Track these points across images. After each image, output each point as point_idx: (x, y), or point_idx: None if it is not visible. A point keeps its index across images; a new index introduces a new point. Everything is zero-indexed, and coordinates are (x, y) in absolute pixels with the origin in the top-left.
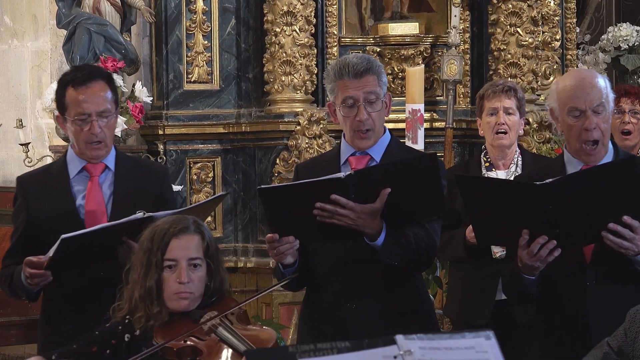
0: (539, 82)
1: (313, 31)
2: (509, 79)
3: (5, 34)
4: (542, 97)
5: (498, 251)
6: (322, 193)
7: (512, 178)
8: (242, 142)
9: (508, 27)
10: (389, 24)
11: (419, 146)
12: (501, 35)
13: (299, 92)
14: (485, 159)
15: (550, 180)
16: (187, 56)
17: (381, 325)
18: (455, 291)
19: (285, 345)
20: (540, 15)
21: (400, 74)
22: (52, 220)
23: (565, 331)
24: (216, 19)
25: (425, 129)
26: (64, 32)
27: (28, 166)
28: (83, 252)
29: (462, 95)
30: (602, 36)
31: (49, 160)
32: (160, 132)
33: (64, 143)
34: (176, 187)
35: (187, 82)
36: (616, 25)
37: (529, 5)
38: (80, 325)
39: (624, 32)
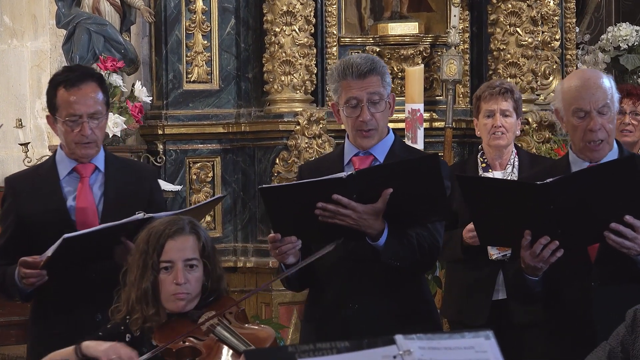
0: (539, 82)
1: (312, 31)
2: (509, 78)
3: (5, 34)
4: (542, 97)
5: (494, 253)
6: (324, 193)
7: (509, 178)
8: (241, 142)
9: (507, 27)
10: (389, 24)
11: (419, 146)
12: (501, 35)
13: (298, 92)
14: (482, 160)
15: (551, 179)
16: (186, 56)
17: (383, 325)
18: (452, 292)
19: (285, 345)
20: (539, 15)
21: (400, 73)
22: (44, 221)
23: (571, 331)
24: (216, 19)
25: (424, 128)
26: (64, 32)
27: (27, 166)
28: (81, 253)
29: (461, 95)
30: (602, 36)
31: None
32: (160, 132)
33: None
34: (176, 187)
35: (186, 82)
36: (616, 25)
37: (528, 5)
38: (72, 326)
39: (624, 32)
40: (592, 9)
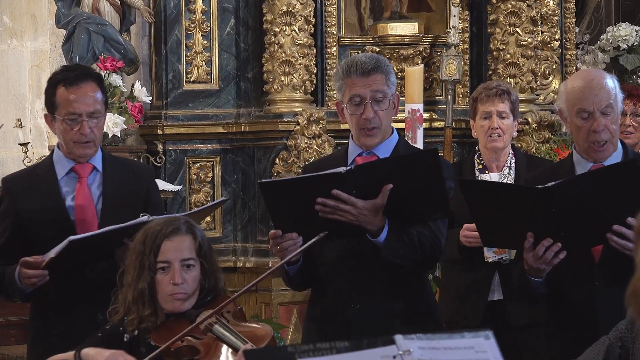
0: (538, 82)
1: (312, 31)
2: (508, 78)
3: (5, 34)
4: (542, 97)
5: (490, 256)
6: (323, 188)
7: (505, 180)
8: (241, 142)
9: (507, 27)
10: (388, 24)
11: (419, 146)
12: (500, 35)
13: (298, 92)
14: (478, 161)
15: (553, 183)
16: (186, 56)
17: (385, 325)
18: (448, 293)
19: (285, 345)
20: (539, 15)
21: (400, 73)
22: (43, 221)
23: (575, 331)
24: (215, 19)
25: (424, 128)
26: (63, 32)
27: (27, 166)
28: (84, 254)
29: (461, 95)
30: (602, 36)
31: None
32: (160, 132)
33: None
34: (175, 187)
35: (186, 82)
36: (615, 25)
37: (528, 5)
38: (71, 327)
39: (623, 32)
40: (592, 9)
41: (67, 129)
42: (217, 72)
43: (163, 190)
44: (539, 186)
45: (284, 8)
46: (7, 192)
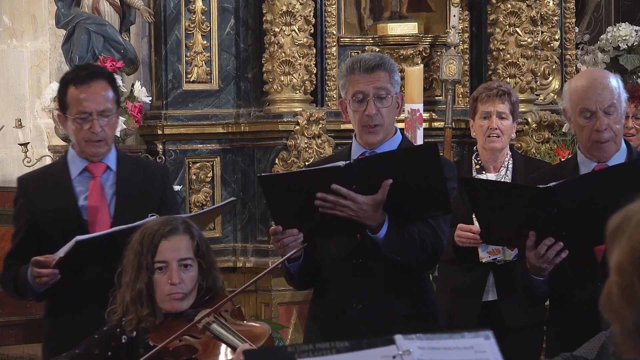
0: (538, 82)
1: (312, 31)
2: (508, 78)
3: (4, 34)
4: (541, 97)
5: (485, 257)
6: (323, 182)
7: (502, 181)
8: (241, 142)
9: (507, 27)
10: (388, 24)
11: None
12: (500, 35)
13: (298, 92)
14: (476, 161)
15: (554, 183)
16: (186, 56)
17: (386, 325)
18: (443, 293)
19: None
20: (539, 15)
21: (400, 74)
22: (55, 220)
23: (577, 331)
24: (215, 19)
25: (424, 128)
26: (63, 32)
27: (27, 166)
28: (93, 254)
29: (461, 95)
30: (601, 36)
31: (48, 160)
32: (159, 132)
33: (63, 143)
34: (175, 187)
35: (186, 82)
36: (615, 25)
37: (528, 5)
38: (83, 326)
39: (623, 32)
40: (592, 9)
41: (78, 128)
42: (217, 72)
43: None
44: (541, 186)
45: (284, 8)
46: (22, 191)
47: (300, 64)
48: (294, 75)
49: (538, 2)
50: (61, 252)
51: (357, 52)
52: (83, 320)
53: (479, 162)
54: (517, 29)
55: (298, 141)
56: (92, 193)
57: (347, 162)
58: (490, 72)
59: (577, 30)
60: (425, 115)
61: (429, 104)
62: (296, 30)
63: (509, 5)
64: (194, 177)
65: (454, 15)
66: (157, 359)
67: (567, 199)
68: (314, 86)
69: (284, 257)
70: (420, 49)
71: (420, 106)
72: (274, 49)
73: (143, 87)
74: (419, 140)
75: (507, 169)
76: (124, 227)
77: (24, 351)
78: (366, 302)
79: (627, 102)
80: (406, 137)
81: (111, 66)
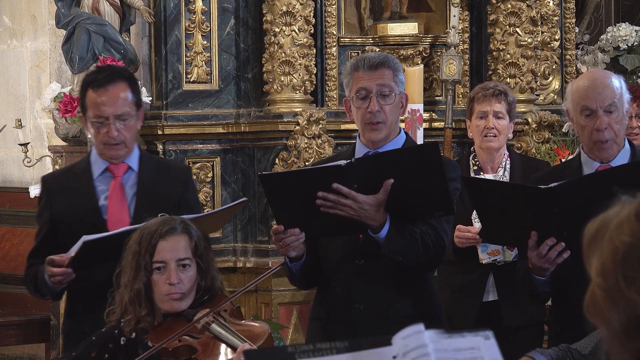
0: (538, 82)
1: (312, 31)
2: (508, 79)
3: (4, 34)
4: (541, 97)
5: (484, 258)
6: (324, 181)
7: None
8: (241, 142)
9: (507, 27)
10: (388, 24)
11: None
12: (500, 35)
13: (298, 92)
14: (473, 162)
15: (555, 184)
16: (186, 56)
17: (389, 326)
18: (443, 293)
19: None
20: (539, 15)
21: None
22: (76, 219)
23: (578, 330)
24: (215, 19)
25: (424, 129)
26: (63, 32)
27: (27, 166)
28: (104, 252)
29: (461, 95)
30: (601, 36)
31: (48, 161)
32: (160, 132)
33: (63, 143)
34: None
35: (186, 82)
36: (615, 25)
37: (528, 5)
38: (99, 325)
39: (623, 32)
40: (592, 9)
41: (95, 132)
42: (217, 73)
43: None
44: (542, 186)
45: (284, 8)
46: (44, 191)
47: (300, 64)
48: (294, 75)
49: (538, 2)
50: (72, 252)
51: (357, 52)
52: (100, 320)
53: (477, 162)
54: (517, 29)
55: (298, 141)
56: (113, 193)
57: (348, 161)
58: (490, 72)
59: (577, 30)
60: (425, 116)
61: (429, 104)
62: (296, 30)
63: (509, 6)
64: (194, 177)
65: (454, 16)
66: (156, 359)
67: (569, 199)
68: (314, 86)
69: (273, 269)
70: (420, 49)
71: (420, 106)
72: (274, 49)
73: (143, 87)
74: (419, 141)
75: (504, 170)
76: (131, 227)
77: (24, 351)
78: (368, 303)
79: (629, 103)
80: (410, 137)
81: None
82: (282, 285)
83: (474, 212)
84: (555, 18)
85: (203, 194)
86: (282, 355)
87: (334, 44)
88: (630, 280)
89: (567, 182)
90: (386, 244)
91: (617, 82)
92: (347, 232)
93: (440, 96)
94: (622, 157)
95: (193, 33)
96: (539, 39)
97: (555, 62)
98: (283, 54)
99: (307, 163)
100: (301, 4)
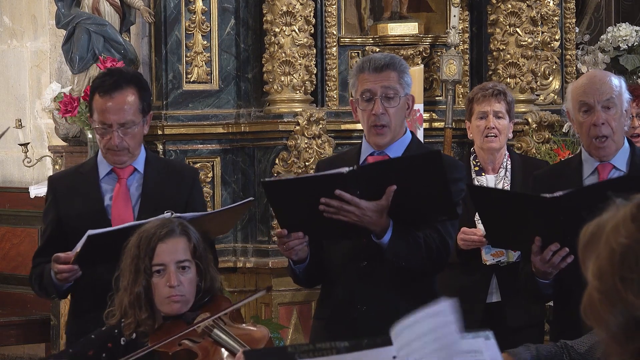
0: (538, 82)
1: (312, 31)
2: (508, 79)
3: (5, 34)
4: (542, 97)
5: (488, 259)
6: (326, 188)
7: (502, 182)
8: (241, 142)
9: (507, 27)
10: (388, 24)
11: None
12: (500, 35)
13: (298, 92)
14: (474, 163)
15: (561, 193)
16: (186, 56)
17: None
18: (446, 295)
19: (285, 345)
20: (539, 15)
21: None
22: (81, 219)
23: (578, 330)
24: (215, 19)
25: (424, 129)
26: (63, 32)
27: (27, 166)
28: (109, 249)
29: (461, 95)
30: (602, 36)
31: (48, 161)
32: (160, 132)
33: (63, 143)
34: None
35: (186, 82)
36: (615, 25)
37: (528, 6)
38: (102, 325)
39: (623, 32)
40: (592, 9)
41: (100, 137)
42: (217, 73)
43: None
44: (547, 195)
45: (284, 8)
46: (51, 190)
47: (300, 64)
48: (294, 75)
49: (538, 2)
50: (77, 247)
51: (357, 53)
52: (103, 321)
53: (478, 163)
54: (518, 29)
55: (298, 141)
56: (117, 195)
57: (350, 168)
58: (490, 72)
59: (577, 30)
60: (426, 116)
61: (429, 104)
62: (296, 30)
63: (509, 6)
64: None
65: (454, 16)
66: None
67: (573, 208)
68: (314, 86)
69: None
70: (421, 49)
71: (420, 106)
72: (274, 49)
73: None
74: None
75: (506, 170)
76: (136, 222)
77: (24, 351)
78: (370, 304)
79: (629, 103)
80: (416, 138)
81: (111, 66)
82: (282, 285)
83: (477, 214)
84: (556, 18)
85: (203, 194)
86: (282, 355)
87: (334, 44)
88: (627, 281)
89: (572, 191)
90: (389, 249)
91: (617, 81)
92: (350, 237)
93: (440, 96)
94: (622, 156)
95: (193, 33)
96: (539, 39)
97: (556, 62)
98: (283, 54)
99: (307, 163)
100: (301, 4)
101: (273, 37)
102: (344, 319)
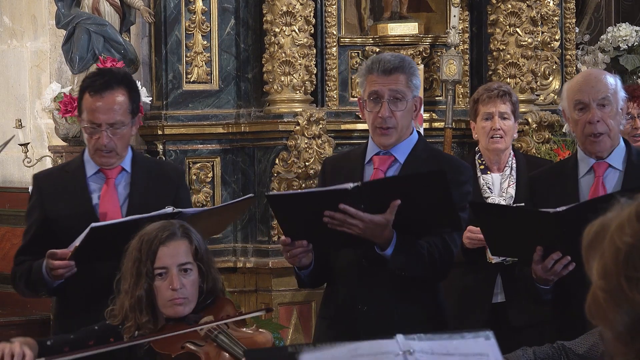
0: (538, 82)
1: (312, 31)
2: (508, 79)
3: (5, 34)
4: (542, 97)
5: (494, 257)
6: (331, 202)
7: (507, 181)
8: (241, 142)
9: (507, 27)
10: (388, 24)
11: None
12: (500, 35)
13: (298, 92)
14: (479, 162)
15: (564, 208)
16: (186, 56)
17: (392, 327)
18: (451, 295)
19: (285, 345)
20: (539, 15)
21: None
22: (69, 218)
23: (577, 331)
24: (215, 19)
25: (424, 129)
26: (63, 32)
27: (27, 166)
28: (107, 245)
29: (461, 96)
30: (602, 36)
31: (48, 161)
32: (160, 132)
33: (63, 143)
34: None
35: (186, 82)
36: (615, 25)
37: (528, 6)
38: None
39: (623, 32)
40: (592, 9)
41: (88, 137)
42: (217, 73)
43: None
44: (550, 210)
45: (284, 8)
46: (36, 189)
47: (300, 64)
48: (294, 75)
49: (538, 2)
50: (77, 242)
51: (357, 53)
52: (94, 321)
53: (483, 162)
54: (518, 29)
55: (298, 141)
56: (106, 194)
57: (356, 184)
58: (490, 73)
59: (577, 30)
60: (426, 116)
61: (429, 104)
62: (296, 30)
63: (509, 6)
64: (194, 177)
65: (454, 16)
66: None
67: (576, 222)
68: (314, 86)
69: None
70: (421, 49)
71: None
72: (274, 49)
73: (143, 88)
74: None
75: (511, 169)
76: (139, 216)
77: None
78: (372, 305)
79: (625, 102)
80: (422, 138)
81: (111, 66)
82: (282, 285)
83: None
84: (556, 18)
85: (203, 194)
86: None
87: (334, 44)
88: (633, 281)
89: (575, 206)
90: (392, 260)
91: (612, 79)
92: (354, 246)
93: (440, 96)
94: (617, 155)
95: (193, 33)
96: (539, 39)
97: (556, 62)
98: (283, 54)
99: (307, 163)
100: (301, 4)
101: (273, 37)
102: (346, 319)
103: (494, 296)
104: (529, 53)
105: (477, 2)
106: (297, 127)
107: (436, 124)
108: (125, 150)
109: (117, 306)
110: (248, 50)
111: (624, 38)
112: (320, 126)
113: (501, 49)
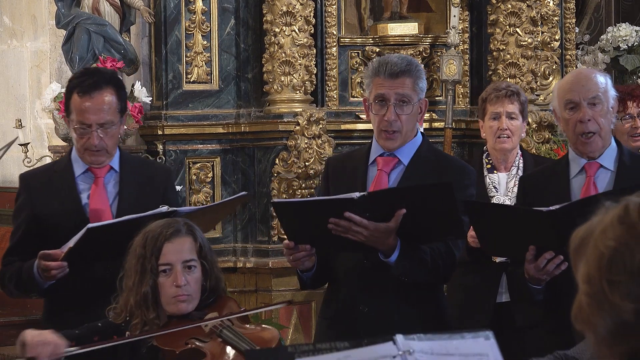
0: (538, 82)
1: (312, 31)
2: (508, 79)
3: (5, 34)
4: (542, 97)
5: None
6: (336, 210)
7: (513, 180)
8: (241, 142)
9: (507, 27)
10: (388, 24)
11: None
12: (500, 35)
13: (298, 92)
14: (487, 161)
15: (558, 206)
16: (186, 56)
17: (392, 328)
18: (455, 295)
19: (285, 345)
20: (539, 15)
21: None
22: (58, 217)
23: (570, 331)
24: (215, 19)
25: (424, 129)
26: (63, 32)
27: (27, 166)
28: (102, 246)
29: (461, 96)
30: (602, 36)
31: (48, 161)
32: (160, 132)
33: (63, 143)
34: (176, 187)
35: (186, 82)
36: (615, 25)
37: (528, 6)
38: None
39: (623, 32)
40: (592, 9)
41: (78, 137)
42: (217, 73)
43: None
44: (543, 209)
45: (284, 8)
46: (24, 188)
47: (300, 64)
48: (294, 75)
49: (538, 2)
50: (71, 243)
51: (357, 53)
52: (84, 321)
53: (490, 161)
54: (518, 29)
55: (298, 141)
56: (95, 194)
57: (361, 194)
58: (490, 73)
59: (577, 30)
60: (426, 116)
61: (429, 104)
62: (296, 30)
63: (509, 6)
64: (194, 177)
65: (454, 16)
66: None
67: (570, 220)
68: (314, 86)
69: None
70: (421, 49)
71: None
72: (274, 49)
73: (143, 88)
74: None
75: (517, 168)
76: (135, 216)
77: None
78: (372, 305)
79: (615, 100)
80: (426, 140)
81: (111, 66)
82: (282, 285)
83: None
84: (556, 18)
85: (203, 194)
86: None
87: (334, 44)
88: (614, 284)
89: (569, 205)
90: (396, 267)
91: (602, 78)
92: (357, 250)
93: (440, 96)
94: (609, 155)
95: (193, 33)
96: (539, 39)
97: (556, 62)
98: (283, 54)
99: (307, 163)
100: (301, 4)
101: (273, 37)
102: (346, 319)
103: (498, 295)
104: (529, 53)
105: (477, 2)
106: (297, 127)
107: (436, 124)
108: (115, 149)
109: (120, 303)
110: (248, 50)
111: (624, 38)
112: (320, 126)
113: (501, 49)
